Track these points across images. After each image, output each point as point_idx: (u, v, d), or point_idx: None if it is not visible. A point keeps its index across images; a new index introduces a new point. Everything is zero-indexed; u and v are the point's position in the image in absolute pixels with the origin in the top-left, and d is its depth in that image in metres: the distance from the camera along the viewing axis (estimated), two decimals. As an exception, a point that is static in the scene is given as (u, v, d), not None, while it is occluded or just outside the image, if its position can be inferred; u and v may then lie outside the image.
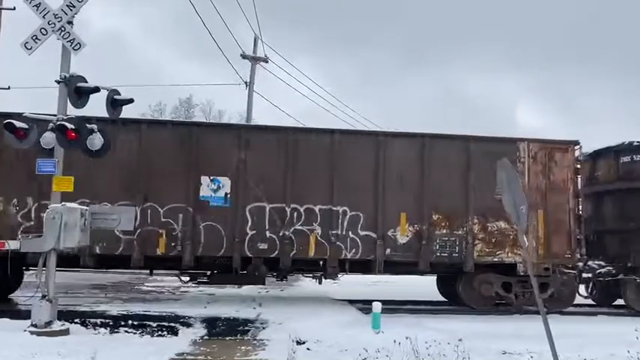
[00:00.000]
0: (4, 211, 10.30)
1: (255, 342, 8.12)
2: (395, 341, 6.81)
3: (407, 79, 66.62)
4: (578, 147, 11.82)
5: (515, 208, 6.03)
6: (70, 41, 8.46)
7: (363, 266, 11.33)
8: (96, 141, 8.78)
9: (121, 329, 8.79)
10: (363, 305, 10.98)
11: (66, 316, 8.70)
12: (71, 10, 8.53)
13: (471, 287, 11.59)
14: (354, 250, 10.97)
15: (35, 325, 8.01)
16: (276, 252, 10.80)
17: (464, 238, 11.26)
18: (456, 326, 9.29)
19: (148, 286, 14.14)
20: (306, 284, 15.08)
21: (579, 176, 11.85)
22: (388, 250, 11.04)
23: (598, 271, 12.23)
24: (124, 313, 9.58)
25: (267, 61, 22.93)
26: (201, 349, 7.65)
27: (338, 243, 10.91)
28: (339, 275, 11.57)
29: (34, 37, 8.47)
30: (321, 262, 11.24)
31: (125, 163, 10.54)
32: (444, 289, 13.25)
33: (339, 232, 10.93)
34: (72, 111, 8.69)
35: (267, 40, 46.13)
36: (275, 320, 9.44)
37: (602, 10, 66.77)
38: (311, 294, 13.27)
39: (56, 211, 8.12)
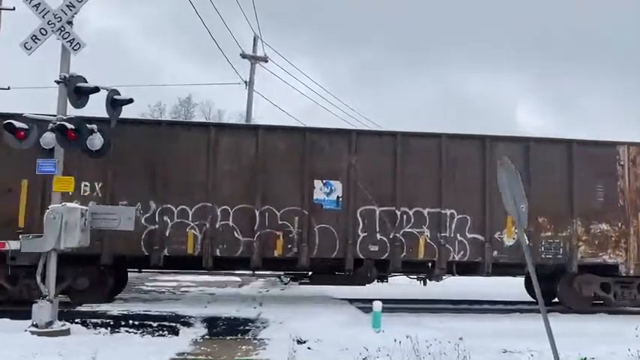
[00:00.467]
0: None
1: (255, 341, 8.13)
2: (395, 340, 6.82)
3: (406, 79, 66.68)
4: None
5: (516, 207, 6.03)
6: (69, 41, 8.47)
7: (469, 268, 11.46)
8: (96, 141, 8.81)
9: (122, 329, 8.78)
10: (363, 304, 10.99)
11: (66, 316, 8.71)
12: (71, 10, 8.54)
13: (571, 288, 11.66)
14: (461, 253, 11.11)
15: (36, 325, 8.03)
16: (387, 254, 10.97)
17: (568, 240, 11.36)
18: (457, 325, 9.32)
19: (148, 286, 14.14)
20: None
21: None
22: (495, 253, 11.18)
23: None
24: (125, 313, 9.57)
25: (266, 61, 22.95)
26: (202, 348, 7.66)
27: (447, 245, 11.06)
28: (444, 277, 11.69)
29: (34, 37, 8.48)
30: (429, 264, 11.40)
31: (245, 167, 10.79)
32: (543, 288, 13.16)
33: (448, 235, 11.09)
34: (72, 111, 8.71)
35: (267, 40, 46.12)
36: (275, 320, 9.45)
37: (603, 10, 66.84)
38: (311, 294, 13.27)
39: (56, 211, 8.13)
